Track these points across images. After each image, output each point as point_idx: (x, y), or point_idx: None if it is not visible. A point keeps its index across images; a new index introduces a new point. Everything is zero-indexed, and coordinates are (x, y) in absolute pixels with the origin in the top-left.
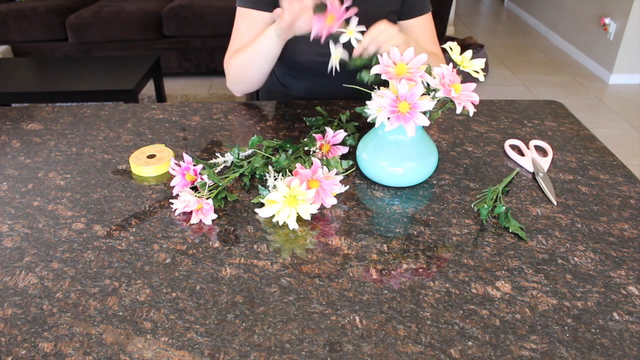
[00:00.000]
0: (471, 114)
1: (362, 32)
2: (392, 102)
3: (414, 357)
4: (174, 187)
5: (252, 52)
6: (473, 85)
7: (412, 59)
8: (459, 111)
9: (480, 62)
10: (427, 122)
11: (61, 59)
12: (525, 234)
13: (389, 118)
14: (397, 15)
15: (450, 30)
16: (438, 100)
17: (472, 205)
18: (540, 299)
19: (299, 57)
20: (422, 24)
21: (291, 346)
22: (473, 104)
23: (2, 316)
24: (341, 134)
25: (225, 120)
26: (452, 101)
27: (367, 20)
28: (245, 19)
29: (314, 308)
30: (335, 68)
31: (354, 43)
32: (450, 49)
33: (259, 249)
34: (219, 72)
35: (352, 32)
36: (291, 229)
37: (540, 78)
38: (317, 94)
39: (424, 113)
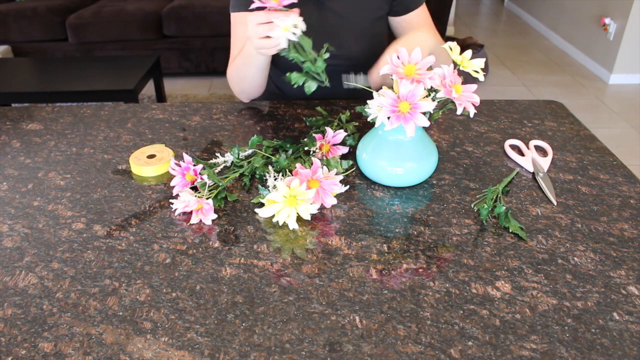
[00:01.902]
0: (472, 115)
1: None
2: (392, 101)
3: (414, 357)
4: (174, 187)
5: (242, 65)
6: (474, 86)
7: (420, 60)
8: (459, 112)
9: (480, 62)
10: (427, 123)
11: (61, 59)
12: (525, 234)
13: (388, 117)
14: (388, 7)
15: (450, 30)
16: (438, 101)
17: (472, 205)
18: (540, 299)
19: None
20: (419, 17)
21: (291, 346)
22: (474, 105)
23: (2, 316)
24: (341, 134)
25: (225, 120)
26: (452, 102)
27: (353, 11)
28: (242, 24)
29: (314, 308)
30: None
31: (283, 41)
32: (450, 49)
33: (259, 249)
34: (219, 72)
35: (287, 29)
36: (291, 229)
37: (540, 78)
38: (312, 96)
39: (424, 114)
